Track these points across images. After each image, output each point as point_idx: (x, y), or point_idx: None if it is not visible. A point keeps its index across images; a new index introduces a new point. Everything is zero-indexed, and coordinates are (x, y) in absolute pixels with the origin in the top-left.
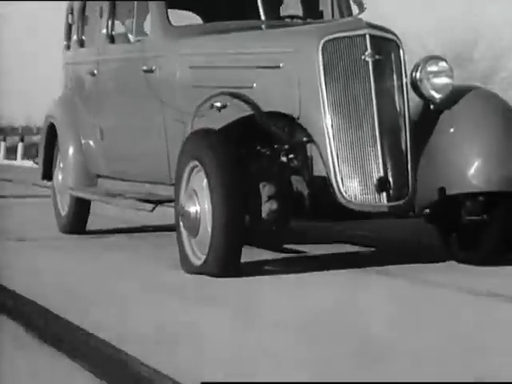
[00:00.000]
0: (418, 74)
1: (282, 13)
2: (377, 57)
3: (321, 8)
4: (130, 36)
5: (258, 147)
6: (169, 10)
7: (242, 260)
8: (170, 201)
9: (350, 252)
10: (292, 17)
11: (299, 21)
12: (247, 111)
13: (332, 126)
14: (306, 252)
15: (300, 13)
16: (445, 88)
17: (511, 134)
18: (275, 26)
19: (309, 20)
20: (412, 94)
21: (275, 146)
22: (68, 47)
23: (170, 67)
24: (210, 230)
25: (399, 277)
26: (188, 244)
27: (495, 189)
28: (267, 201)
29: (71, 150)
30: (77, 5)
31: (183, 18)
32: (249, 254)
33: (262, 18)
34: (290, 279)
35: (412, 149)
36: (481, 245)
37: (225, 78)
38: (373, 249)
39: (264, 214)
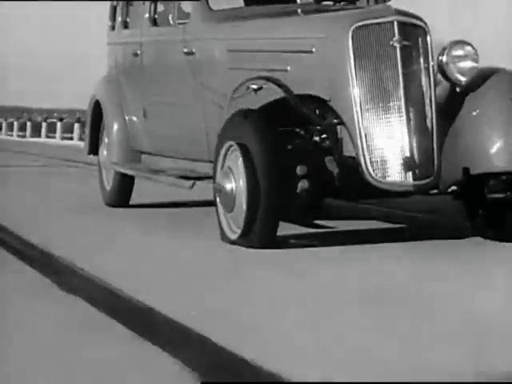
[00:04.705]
0: (444, 58)
1: None
2: (404, 42)
3: None
4: (170, 17)
5: (292, 128)
6: None
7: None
8: (208, 177)
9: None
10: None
11: (333, 5)
12: (281, 94)
13: (361, 108)
14: (335, 227)
15: None
16: (470, 71)
17: None
18: (310, 11)
19: (342, 4)
20: (439, 77)
21: (308, 128)
22: (113, 28)
23: (209, 50)
24: (244, 206)
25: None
26: (224, 219)
27: None
28: (300, 179)
29: (116, 127)
30: None
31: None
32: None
33: (298, 1)
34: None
35: (438, 130)
36: (505, 222)
37: (261, 62)
38: (402, 225)
39: (297, 192)
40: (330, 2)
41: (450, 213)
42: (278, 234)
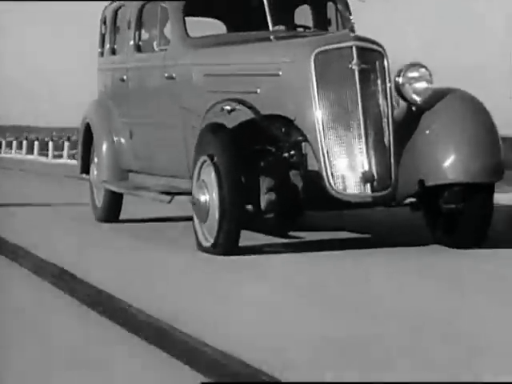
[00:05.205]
0: (400, 79)
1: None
2: (362, 66)
3: (329, 16)
4: (154, 44)
5: (260, 146)
6: (190, 18)
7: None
8: (188, 193)
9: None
10: (299, 26)
11: (303, 31)
12: (250, 115)
13: (323, 126)
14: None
15: (310, 22)
16: (424, 92)
17: (482, 132)
18: (280, 37)
19: (311, 31)
20: (397, 97)
21: (275, 145)
22: (102, 54)
23: (188, 75)
24: (216, 217)
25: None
26: (199, 228)
27: (467, 180)
28: (266, 192)
29: (104, 148)
30: (109, 16)
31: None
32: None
33: (270, 28)
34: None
35: (395, 145)
36: (460, 230)
37: (234, 84)
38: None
39: (263, 204)
40: (301, 29)
41: (410, 223)
42: (256, 242)
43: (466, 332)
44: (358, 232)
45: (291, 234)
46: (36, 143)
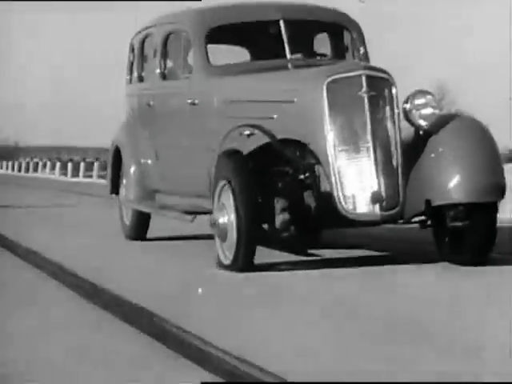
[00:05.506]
0: (407, 106)
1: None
2: (371, 93)
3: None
4: (178, 71)
5: (276, 168)
6: (214, 45)
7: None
8: (210, 212)
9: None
10: (318, 55)
11: (319, 59)
12: (266, 139)
13: (335, 150)
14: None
15: (328, 50)
16: (430, 117)
17: (485, 155)
18: (298, 65)
19: (327, 59)
20: (405, 122)
21: (289, 168)
22: (130, 81)
23: (210, 101)
24: (234, 237)
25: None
26: (220, 247)
27: (471, 200)
28: (280, 212)
29: (132, 169)
30: (136, 44)
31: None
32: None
33: (288, 56)
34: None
35: (403, 168)
36: (466, 248)
37: (253, 111)
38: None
39: (278, 224)
40: (318, 57)
41: (420, 241)
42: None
43: None
44: (373, 249)
45: (309, 251)
46: (69, 164)
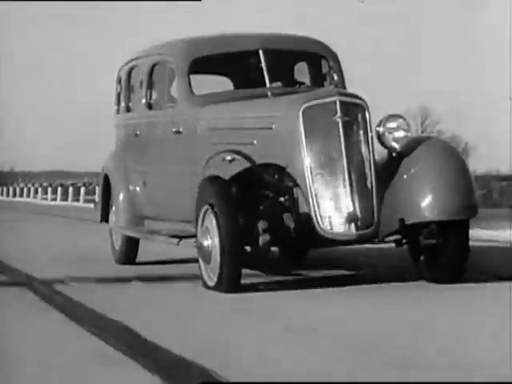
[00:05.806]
0: (380, 129)
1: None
2: (345, 118)
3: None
4: (163, 101)
5: (256, 191)
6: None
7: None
8: (195, 236)
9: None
10: (297, 83)
11: (298, 87)
12: (247, 165)
13: (311, 173)
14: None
15: (306, 78)
16: (402, 139)
17: (456, 174)
18: (275, 93)
19: (305, 86)
20: (378, 145)
21: (269, 191)
22: (118, 111)
23: (193, 129)
24: (218, 259)
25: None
26: (204, 269)
27: (443, 218)
28: (261, 234)
29: (121, 196)
30: (123, 76)
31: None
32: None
33: (267, 85)
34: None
35: (377, 188)
36: (440, 266)
37: (233, 137)
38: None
39: (260, 244)
40: (297, 85)
41: (396, 259)
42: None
43: None
44: (354, 269)
45: (293, 271)
46: (70, 189)
